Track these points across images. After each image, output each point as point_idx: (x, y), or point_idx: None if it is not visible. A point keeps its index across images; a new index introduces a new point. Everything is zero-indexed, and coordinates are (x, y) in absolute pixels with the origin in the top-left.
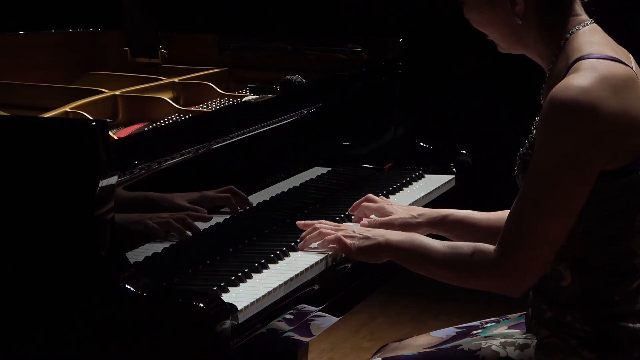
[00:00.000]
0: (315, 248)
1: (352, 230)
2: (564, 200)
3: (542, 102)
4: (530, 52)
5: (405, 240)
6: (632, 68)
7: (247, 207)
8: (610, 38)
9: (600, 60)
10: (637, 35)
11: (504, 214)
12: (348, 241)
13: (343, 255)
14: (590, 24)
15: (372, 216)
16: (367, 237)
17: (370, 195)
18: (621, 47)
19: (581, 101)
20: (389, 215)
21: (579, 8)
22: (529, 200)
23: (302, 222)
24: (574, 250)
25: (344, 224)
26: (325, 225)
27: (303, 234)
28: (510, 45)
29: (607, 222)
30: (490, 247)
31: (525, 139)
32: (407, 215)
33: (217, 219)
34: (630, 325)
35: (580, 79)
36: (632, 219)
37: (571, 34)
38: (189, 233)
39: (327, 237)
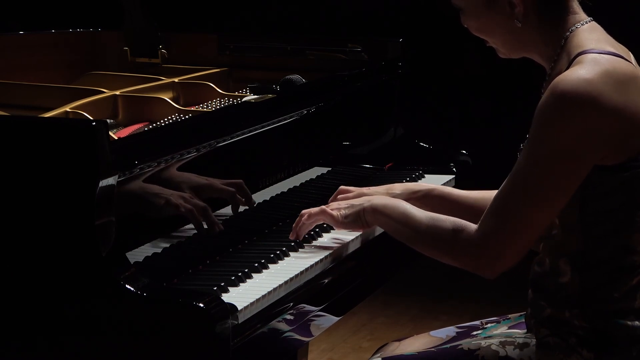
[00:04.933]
0: (319, 245)
1: (338, 204)
2: (553, 189)
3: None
4: (532, 54)
5: (389, 204)
6: (632, 64)
7: (248, 207)
8: (609, 36)
9: (602, 55)
10: (636, 33)
11: (485, 193)
12: (334, 212)
13: (346, 253)
14: (589, 22)
15: None
16: (352, 205)
17: (343, 187)
18: (620, 45)
19: (582, 92)
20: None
21: (576, 6)
22: (518, 184)
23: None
24: (574, 246)
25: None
26: (309, 209)
27: (294, 225)
28: (512, 49)
29: (607, 217)
30: (471, 225)
31: (525, 135)
32: (388, 192)
33: (217, 219)
34: (629, 323)
35: (583, 71)
36: (632, 215)
37: (571, 32)
38: (205, 226)
39: (311, 212)
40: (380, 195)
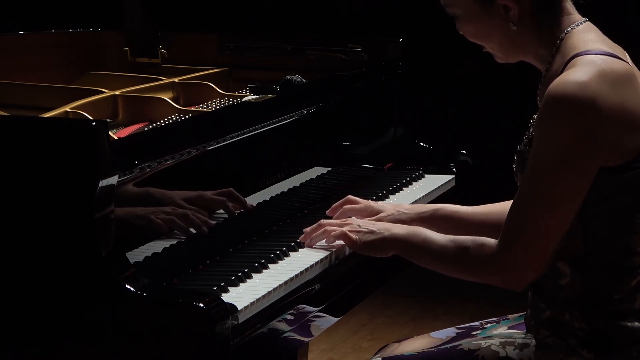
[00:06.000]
0: (320, 246)
1: (358, 225)
2: (563, 196)
3: (538, 102)
4: (528, 57)
5: (410, 233)
6: (628, 64)
7: (244, 210)
8: (604, 36)
9: (598, 55)
10: (631, 32)
11: (492, 207)
12: (354, 236)
13: (346, 253)
14: (584, 22)
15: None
16: (373, 232)
17: (351, 197)
18: (616, 44)
19: (579, 96)
20: (378, 214)
21: (570, 7)
22: (528, 195)
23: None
24: (574, 248)
25: (348, 218)
26: (330, 222)
27: (307, 229)
28: (508, 53)
29: (608, 219)
30: (492, 241)
31: (524, 135)
32: (395, 211)
33: (217, 219)
34: (629, 324)
35: (578, 74)
36: (633, 217)
37: (566, 34)
38: (193, 230)
39: (332, 233)
40: (398, 224)
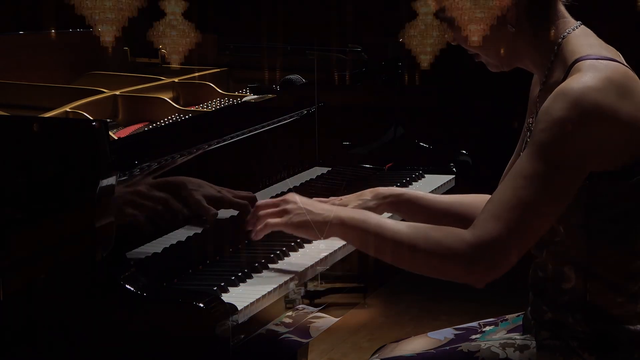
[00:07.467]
0: (316, 246)
1: (295, 202)
2: (558, 195)
3: (538, 107)
4: (524, 62)
5: (358, 217)
6: (626, 67)
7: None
8: (600, 39)
9: (600, 60)
10: (624, 34)
11: (459, 197)
12: (277, 220)
13: (346, 253)
14: (579, 26)
15: None
16: (310, 212)
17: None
18: (610, 47)
19: (586, 99)
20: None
21: (564, 10)
22: (523, 190)
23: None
24: (580, 252)
25: (288, 195)
26: (267, 205)
27: (248, 218)
28: (504, 60)
29: (613, 224)
30: (462, 230)
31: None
32: (359, 199)
33: (217, 218)
34: (631, 327)
35: (585, 78)
36: (637, 222)
37: (563, 38)
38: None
39: (256, 229)
40: (345, 208)
